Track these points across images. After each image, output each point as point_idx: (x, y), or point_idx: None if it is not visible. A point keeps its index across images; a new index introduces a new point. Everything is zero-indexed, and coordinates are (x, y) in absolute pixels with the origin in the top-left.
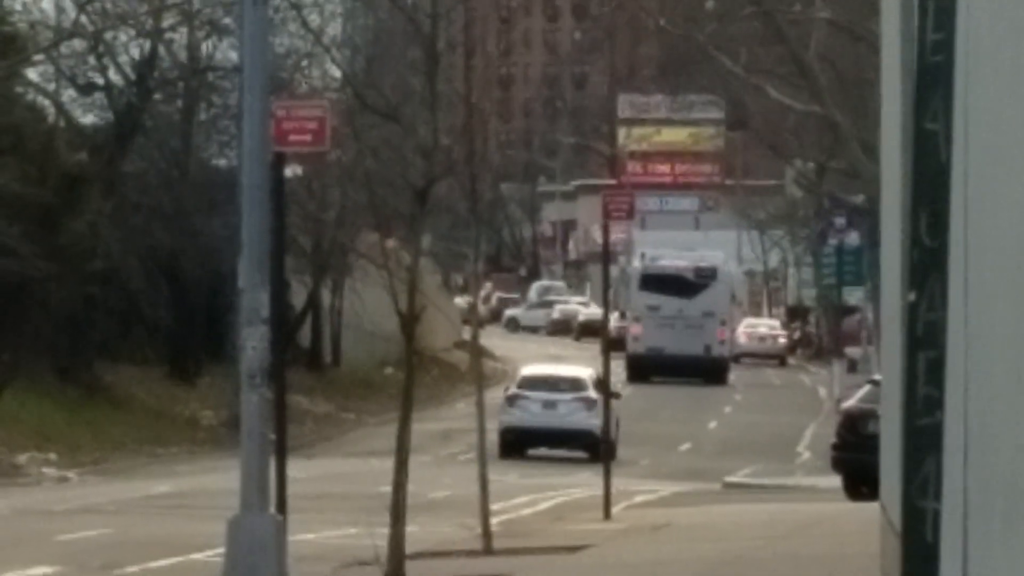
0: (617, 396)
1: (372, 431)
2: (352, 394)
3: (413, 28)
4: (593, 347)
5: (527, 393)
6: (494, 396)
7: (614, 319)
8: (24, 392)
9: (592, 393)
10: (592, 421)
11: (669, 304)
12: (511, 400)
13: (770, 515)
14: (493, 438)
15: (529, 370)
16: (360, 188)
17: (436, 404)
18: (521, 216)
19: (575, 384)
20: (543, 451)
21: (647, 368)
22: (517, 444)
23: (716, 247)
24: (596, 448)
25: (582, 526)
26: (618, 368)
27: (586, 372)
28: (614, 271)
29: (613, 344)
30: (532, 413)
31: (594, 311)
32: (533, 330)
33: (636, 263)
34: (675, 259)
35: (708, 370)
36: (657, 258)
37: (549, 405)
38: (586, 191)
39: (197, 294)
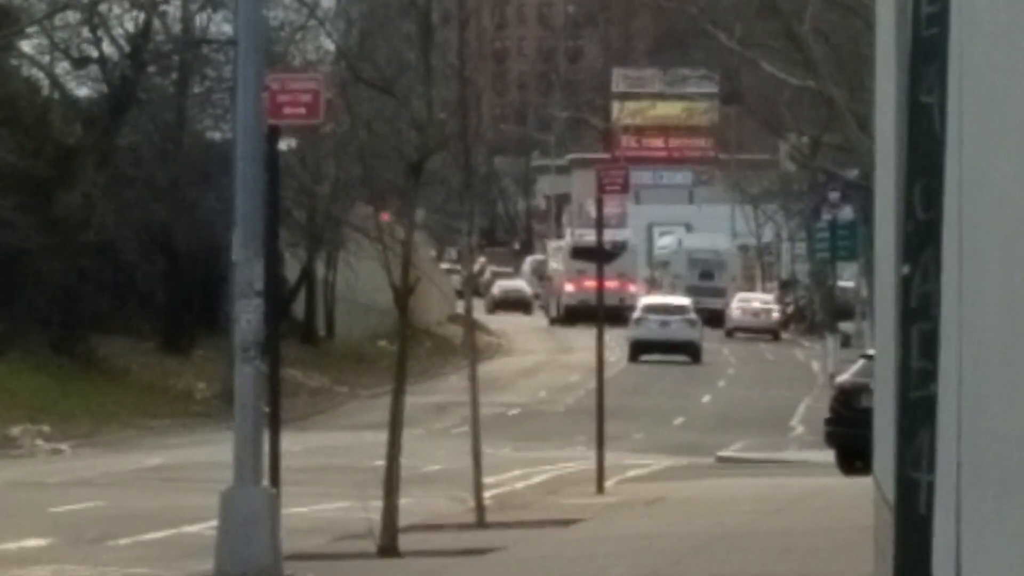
0: None
1: (366, 404)
2: (346, 367)
3: (407, 1)
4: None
5: (648, 316)
6: (488, 370)
7: (526, 283)
8: (18, 364)
9: (693, 315)
10: (695, 334)
11: (592, 268)
12: (637, 321)
13: (763, 489)
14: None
15: (648, 300)
16: (354, 161)
17: (430, 377)
18: (515, 190)
19: (682, 309)
20: (656, 357)
21: (577, 314)
22: (642, 351)
23: (710, 221)
24: (697, 354)
25: (575, 500)
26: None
27: (688, 300)
28: (550, 246)
29: (523, 304)
30: (652, 329)
31: (514, 284)
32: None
33: (568, 239)
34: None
35: (620, 315)
36: (582, 235)
37: (664, 324)
38: (580, 165)
39: (191, 267)
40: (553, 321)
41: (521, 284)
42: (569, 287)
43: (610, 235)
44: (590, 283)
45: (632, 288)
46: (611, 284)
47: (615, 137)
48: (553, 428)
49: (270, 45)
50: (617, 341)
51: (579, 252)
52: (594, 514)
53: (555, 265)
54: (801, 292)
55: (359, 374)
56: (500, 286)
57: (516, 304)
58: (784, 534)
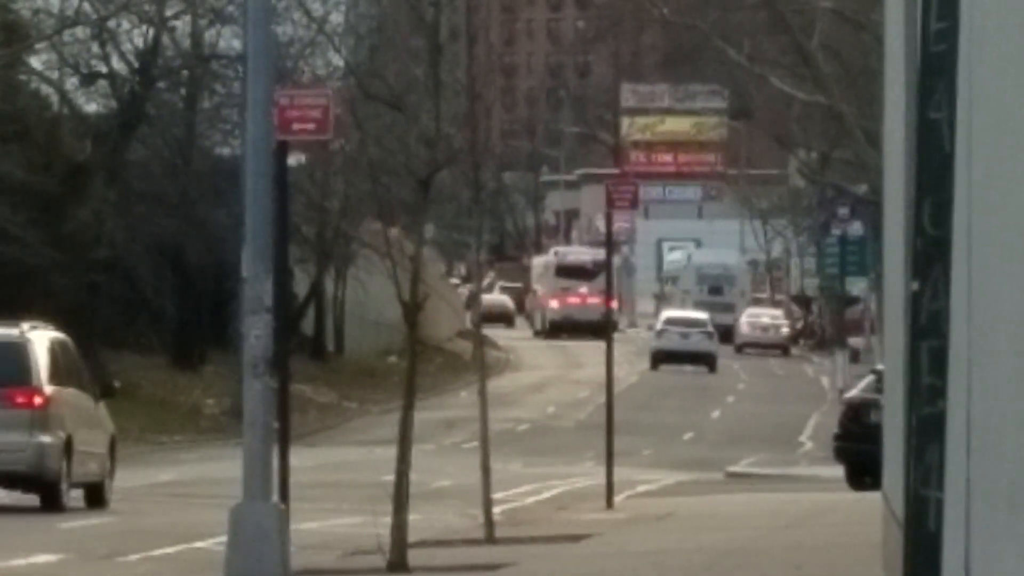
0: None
1: (375, 420)
2: (355, 383)
3: (416, 16)
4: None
5: (670, 328)
6: (497, 385)
7: (508, 298)
8: None
9: (710, 328)
10: (712, 346)
11: (576, 285)
12: (659, 333)
13: (773, 505)
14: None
15: (669, 313)
16: (363, 177)
17: (439, 393)
18: (524, 205)
19: (700, 323)
20: (674, 367)
21: (561, 327)
22: (663, 360)
23: (719, 236)
24: (714, 364)
25: (585, 515)
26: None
27: (706, 315)
28: (535, 264)
29: (505, 317)
30: (673, 341)
31: (497, 298)
32: None
33: (552, 257)
34: (579, 255)
35: (601, 329)
36: (566, 254)
37: (684, 336)
38: (590, 180)
39: (201, 283)
40: (537, 334)
41: (504, 298)
42: (553, 303)
43: (592, 254)
44: (573, 299)
45: (614, 304)
46: (593, 300)
47: (624, 152)
48: (562, 443)
49: (279, 61)
50: (626, 357)
51: (563, 270)
52: (604, 530)
53: (540, 281)
54: (813, 308)
55: (368, 390)
56: (483, 300)
57: (499, 317)
58: (794, 550)
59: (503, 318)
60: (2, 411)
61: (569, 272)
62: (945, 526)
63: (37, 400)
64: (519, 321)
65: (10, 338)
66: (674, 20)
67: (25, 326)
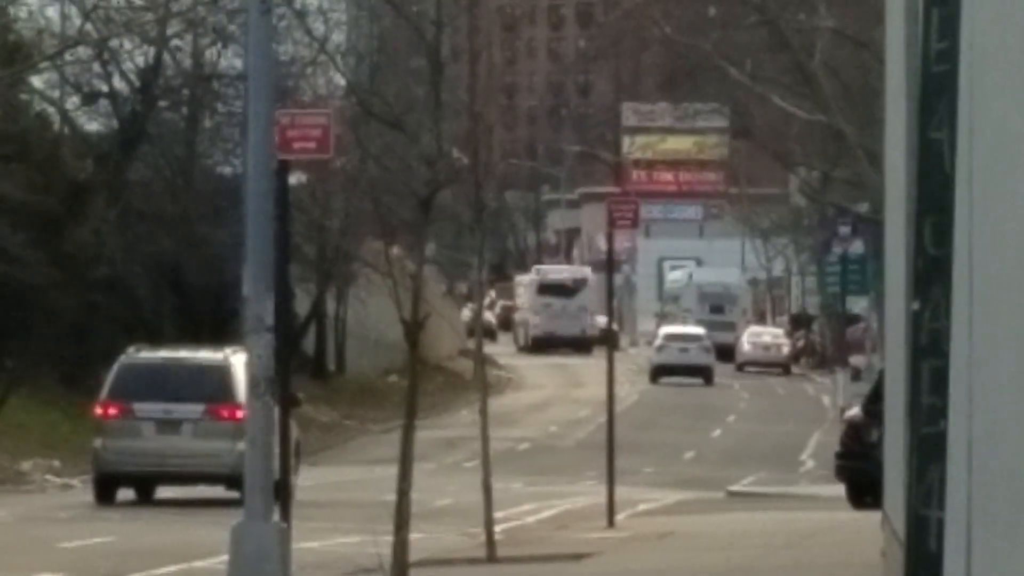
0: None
1: (376, 439)
2: (356, 402)
3: (417, 36)
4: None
5: (669, 343)
6: (498, 404)
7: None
8: (28, 400)
9: (708, 343)
10: (708, 360)
11: (556, 302)
12: (659, 348)
13: (774, 524)
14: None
15: (668, 329)
16: (364, 196)
17: (440, 412)
18: (525, 224)
19: (697, 338)
20: (674, 384)
21: (543, 343)
22: (662, 374)
23: (720, 255)
24: (710, 377)
25: (586, 534)
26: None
27: (703, 330)
28: (519, 281)
29: (487, 333)
30: (672, 355)
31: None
32: None
33: (535, 276)
34: (559, 273)
35: (582, 344)
36: (547, 272)
37: (683, 350)
38: (590, 199)
39: (202, 302)
40: (520, 349)
41: (486, 314)
42: (536, 319)
43: (571, 272)
44: (554, 316)
45: (602, 321)
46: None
47: (625, 171)
48: (563, 462)
49: (280, 80)
50: (627, 375)
51: (545, 288)
52: (605, 548)
53: (523, 299)
54: (814, 328)
55: (369, 409)
56: (466, 316)
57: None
58: (795, 569)
59: (485, 333)
60: (210, 423)
61: (550, 290)
62: (946, 546)
63: (238, 414)
64: (506, 338)
65: (216, 362)
66: (675, 39)
67: (228, 351)
